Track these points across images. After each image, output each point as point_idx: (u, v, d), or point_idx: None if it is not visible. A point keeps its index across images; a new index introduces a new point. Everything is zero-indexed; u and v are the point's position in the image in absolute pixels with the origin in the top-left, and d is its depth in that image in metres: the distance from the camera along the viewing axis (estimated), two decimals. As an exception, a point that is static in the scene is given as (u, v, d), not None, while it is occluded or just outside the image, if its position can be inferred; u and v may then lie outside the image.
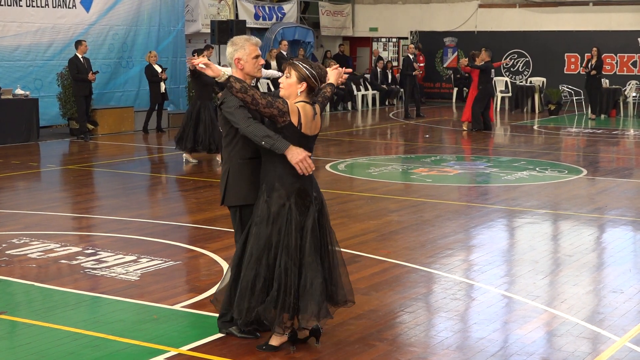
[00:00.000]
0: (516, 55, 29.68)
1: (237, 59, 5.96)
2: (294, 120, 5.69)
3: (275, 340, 5.90)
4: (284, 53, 24.66)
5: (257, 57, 6.00)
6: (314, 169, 5.81)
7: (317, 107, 5.89)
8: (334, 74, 6.12)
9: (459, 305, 7.11)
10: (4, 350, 5.95)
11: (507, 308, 7.10)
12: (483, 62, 20.92)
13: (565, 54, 28.80)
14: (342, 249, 8.64)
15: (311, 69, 5.79)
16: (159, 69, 20.48)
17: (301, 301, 5.75)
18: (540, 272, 8.16)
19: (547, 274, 8.14)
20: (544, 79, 27.41)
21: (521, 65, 29.61)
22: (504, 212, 11.10)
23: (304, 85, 5.78)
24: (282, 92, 5.83)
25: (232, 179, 5.95)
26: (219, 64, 18.59)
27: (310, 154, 5.78)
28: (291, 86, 5.79)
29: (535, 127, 22.89)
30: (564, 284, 7.76)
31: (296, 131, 5.71)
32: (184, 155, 15.39)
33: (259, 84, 20.29)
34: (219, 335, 6.17)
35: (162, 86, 20.46)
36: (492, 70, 21.07)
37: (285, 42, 25.33)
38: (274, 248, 5.75)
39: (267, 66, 23.05)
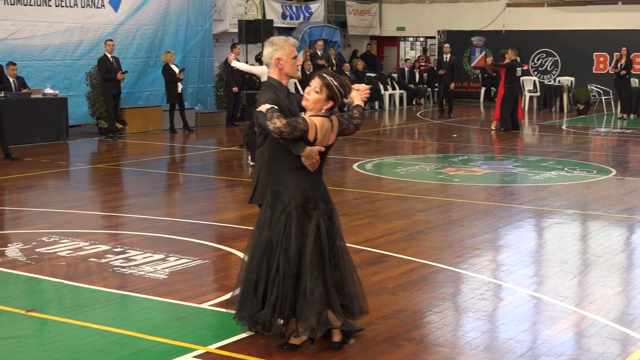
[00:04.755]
0: (544, 55, 29.53)
1: (278, 59, 5.97)
2: (311, 135, 5.69)
3: (295, 339, 5.90)
4: (319, 53, 24.65)
5: (295, 57, 6.03)
6: (317, 166, 5.80)
7: (334, 120, 5.87)
8: (357, 96, 6.00)
9: (487, 305, 7.09)
10: (34, 347, 5.99)
11: (535, 309, 7.07)
12: (509, 61, 20.84)
13: (594, 53, 28.62)
14: (369, 249, 8.66)
15: (340, 88, 5.77)
16: (176, 69, 20.54)
17: (299, 308, 5.73)
18: (569, 272, 8.12)
19: (576, 274, 8.09)
20: (573, 79, 27.25)
21: (549, 64, 29.45)
22: (532, 212, 11.04)
23: (331, 103, 5.78)
24: (305, 104, 5.81)
25: (262, 178, 5.98)
26: (247, 63, 18.63)
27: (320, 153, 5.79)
28: (319, 102, 5.77)
29: (563, 127, 22.76)
30: (593, 285, 7.71)
31: (311, 145, 5.72)
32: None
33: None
34: (247, 333, 6.18)
35: (179, 86, 20.52)
36: (519, 69, 20.95)
37: (320, 43, 25.29)
38: (273, 253, 5.76)
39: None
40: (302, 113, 5.89)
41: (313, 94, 5.78)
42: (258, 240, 5.83)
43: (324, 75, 5.80)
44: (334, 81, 5.76)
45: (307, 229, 5.75)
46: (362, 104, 6.04)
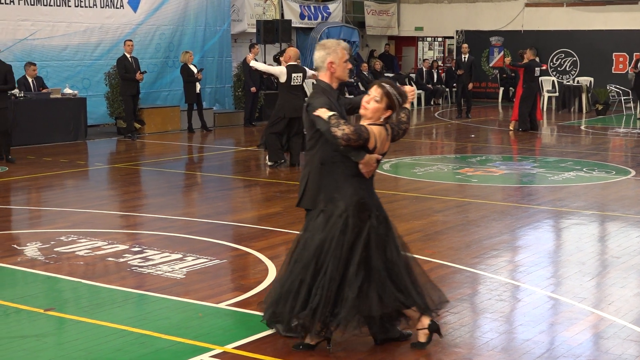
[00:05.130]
0: (563, 55, 29.41)
1: (331, 63, 5.95)
2: (371, 144, 5.71)
3: (311, 339, 5.90)
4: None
5: (346, 61, 6.03)
6: (372, 174, 5.84)
7: (389, 127, 5.87)
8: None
9: (504, 306, 7.07)
10: (52, 346, 6.02)
11: (553, 310, 7.05)
12: (527, 61, 20.78)
13: (613, 54, 28.46)
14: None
15: (399, 97, 5.78)
16: (194, 70, 20.59)
17: (338, 312, 5.72)
18: (587, 273, 8.08)
19: (594, 275, 8.06)
20: (592, 79, 27.13)
21: (568, 64, 29.32)
22: (551, 213, 11.00)
23: (389, 112, 5.79)
24: (364, 112, 5.79)
25: (312, 182, 5.94)
26: (264, 63, 18.66)
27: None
28: (378, 111, 5.76)
29: (582, 127, 22.67)
30: (611, 286, 7.68)
31: (370, 153, 5.73)
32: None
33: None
34: (264, 333, 6.20)
35: (197, 86, 20.57)
36: (537, 68, 20.87)
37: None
38: (323, 257, 5.73)
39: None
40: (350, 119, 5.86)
41: (373, 102, 5.77)
42: (308, 244, 5.79)
43: (384, 84, 5.81)
44: (393, 90, 5.77)
45: (360, 237, 5.73)
46: (409, 106, 6.07)
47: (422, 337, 5.96)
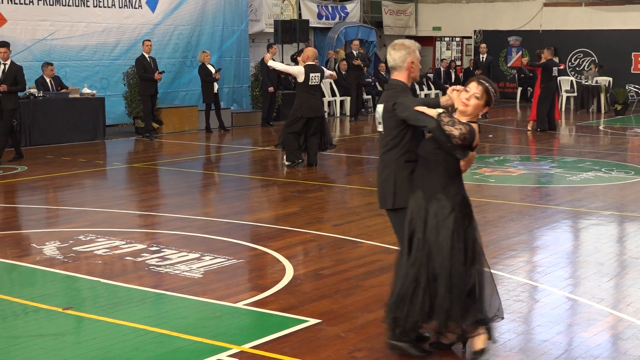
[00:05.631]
0: (582, 55, 29.29)
1: (411, 62, 5.97)
2: (476, 141, 5.76)
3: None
4: (355, 53, 24.63)
5: (419, 61, 6.09)
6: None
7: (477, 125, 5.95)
8: (457, 97, 5.96)
9: (522, 307, 7.05)
10: (71, 345, 6.05)
11: (571, 310, 7.02)
12: (545, 61, 20.71)
13: (633, 53, 28.31)
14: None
15: (496, 94, 5.81)
16: (212, 69, 20.63)
17: (464, 314, 5.74)
18: (606, 274, 8.05)
19: (613, 276, 8.02)
20: (610, 79, 27.00)
21: (587, 64, 29.19)
22: (569, 214, 10.96)
23: (486, 109, 5.84)
24: (465, 109, 5.75)
25: (401, 182, 5.91)
26: (282, 62, 18.67)
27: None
28: (477, 108, 5.77)
29: (601, 128, 22.57)
30: (630, 287, 7.64)
31: (472, 150, 5.78)
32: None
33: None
34: (281, 333, 6.21)
35: (215, 86, 20.61)
36: (555, 68, 20.80)
37: (356, 42, 25.24)
38: (437, 256, 5.69)
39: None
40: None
41: (474, 99, 5.75)
42: (420, 245, 5.73)
43: (482, 80, 5.82)
44: (490, 85, 5.80)
45: (467, 233, 5.76)
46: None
47: (481, 343, 5.88)
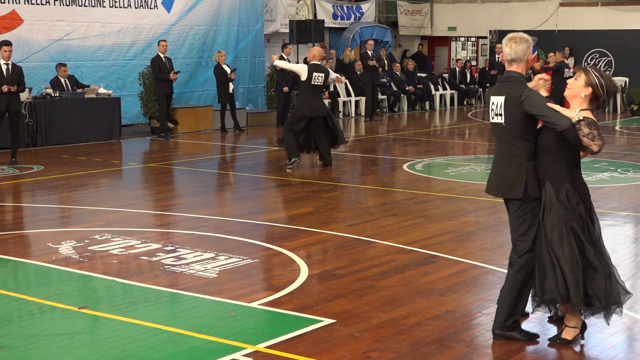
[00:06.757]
0: (598, 55, 29.16)
1: (530, 55, 6.14)
2: None
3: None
4: (370, 53, 24.60)
5: None
6: None
7: None
8: (543, 86, 6.30)
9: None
10: (86, 344, 6.08)
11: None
12: (556, 63, 20.65)
13: (649, 54, 28.20)
14: (419, 249, 8.64)
15: (600, 79, 5.98)
16: (227, 70, 20.66)
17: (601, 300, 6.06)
18: (622, 275, 7.96)
19: (629, 277, 7.99)
20: (627, 79, 26.88)
21: (603, 64, 29.06)
22: (584, 214, 10.90)
23: (590, 90, 5.97)
24: (567, 93, 6.07)
25: (532, 172, 6.05)
26: (297, 63, 18.69)
27: None
28: (577, 88, 6.00)
29: (617, 128, 22.48)
30: (646, 288, 7.61)
31: None
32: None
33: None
34: (296, 332, 6.22)
35: (230, 86, 20.64)
36: (566, 70, 20.73)
37: (371, 43, 25.20)
38: (579, 241, 6.01)
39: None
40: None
41: (572, 81, 6.09)
42: (552, 229, 6.00)
43: (586, 67, 6.11)
44: (593, 71, 6.05)
45: (593, 221, 6.10)
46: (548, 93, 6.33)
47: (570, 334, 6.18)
